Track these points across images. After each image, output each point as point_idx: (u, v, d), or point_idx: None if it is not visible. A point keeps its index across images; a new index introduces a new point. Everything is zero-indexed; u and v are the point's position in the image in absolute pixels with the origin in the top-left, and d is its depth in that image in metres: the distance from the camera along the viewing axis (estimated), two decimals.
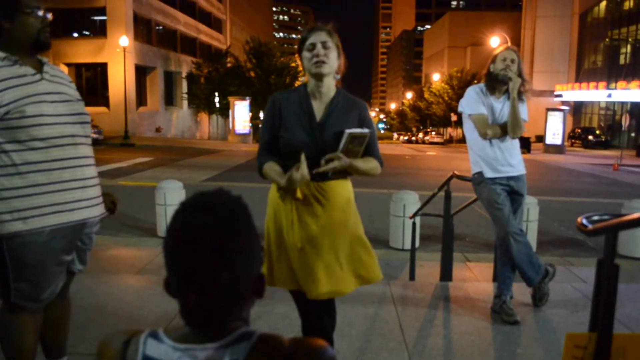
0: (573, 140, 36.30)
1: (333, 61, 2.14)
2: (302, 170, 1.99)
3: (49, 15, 2.03)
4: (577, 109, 41.27)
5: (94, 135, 22.78)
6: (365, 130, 2.12)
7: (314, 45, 2.12)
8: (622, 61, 36.38)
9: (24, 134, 1.91)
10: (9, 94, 1.89)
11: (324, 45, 2.11)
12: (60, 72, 2.18)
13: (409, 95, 70.48)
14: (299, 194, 2.12)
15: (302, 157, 2.01)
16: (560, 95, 38.61)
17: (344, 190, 2.21)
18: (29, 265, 1.96)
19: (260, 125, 2.37)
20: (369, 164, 2.21)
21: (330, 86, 2.19)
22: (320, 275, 2.12)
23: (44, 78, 2.03)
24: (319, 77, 2.14)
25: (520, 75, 3.24)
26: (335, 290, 2.16)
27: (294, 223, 2.14)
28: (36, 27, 1.97)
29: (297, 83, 2.27)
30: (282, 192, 2.17)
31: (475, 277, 4.75)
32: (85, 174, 2.08)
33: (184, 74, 38.75)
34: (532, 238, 5.63)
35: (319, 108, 2.18)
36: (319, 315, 2.28)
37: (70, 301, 2.35)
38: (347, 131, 2.07)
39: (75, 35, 31.49)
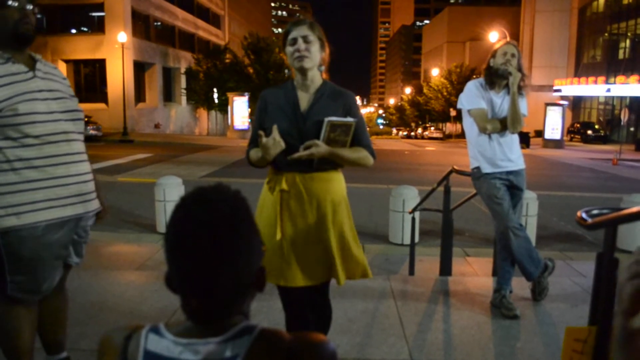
0: (572, 135, 36.25)
1: (315, 54, 2.14)
2: (274, 135, 2.03)
3: (30, 7, 1.98)
4: (576, 103, 41.23)
5: (93, 132, 22.76)
6: (349, 119, 2.10)
7: (295, 40, 2.12)
8: (621, 56, 36.32)
9: (17, 132, 1.91)
10: (1, 92, 1.89)
11: (305, 40, 2.11)
12: (53, 69, 2.17)
13: (408, 90, 70.29)
14: (284, 185, 2.12)
15: (274, 127, 2.05)
16: (559, 90, 38.53)
17: (332, 184, 2.18)
18: (25, 259, 1.97)
19: None
20: (357, 154, 2.18)
21: (314, 78, 2.19)
22: (294, 268, 2.13)
23: (37, 76, 2.02)
24: (302, 71, 2.15)
25: (520, 70, 3.24)
26: (305, 280, 2.16)
27: (278, 215, 2.14)
28: (13, 18, 1.94)
29: None
30: (272, 184, 2.19)
31: (474, 271, 4.76)
32: (79, 169, 2.09)
33: (182, 70, 38.66)
34: (532, 233, 5.64)
35: (304, 99, 2.18)
36: (305, 315, 2.27)
37: (67, 294, 2.36)
38: (327, 119, 2.06)
39: (74, 31, 31.39)
